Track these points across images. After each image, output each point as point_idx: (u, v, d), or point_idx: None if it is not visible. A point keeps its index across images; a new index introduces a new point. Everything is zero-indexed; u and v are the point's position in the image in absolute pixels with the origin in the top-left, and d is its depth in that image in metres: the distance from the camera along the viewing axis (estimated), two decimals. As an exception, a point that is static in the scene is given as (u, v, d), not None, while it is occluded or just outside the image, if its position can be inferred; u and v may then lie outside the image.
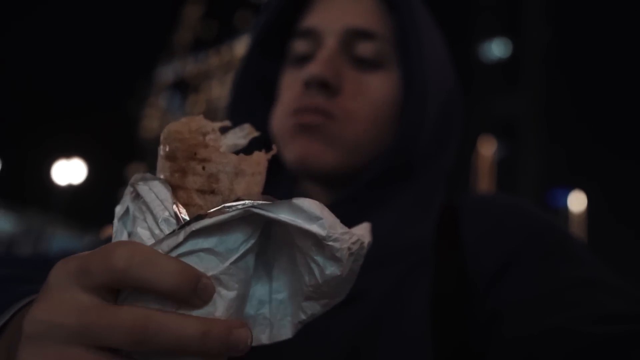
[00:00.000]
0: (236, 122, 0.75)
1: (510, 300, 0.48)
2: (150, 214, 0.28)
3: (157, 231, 0.28)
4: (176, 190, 0.29)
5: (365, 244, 0.30)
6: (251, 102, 0.66)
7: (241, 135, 0.33)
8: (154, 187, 0.29)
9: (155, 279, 0.25)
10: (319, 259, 0.29)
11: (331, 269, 0.29)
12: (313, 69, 0.54)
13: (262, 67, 0.65)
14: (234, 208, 0.27)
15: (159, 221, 0.28)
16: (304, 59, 0.59)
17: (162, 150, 0.30)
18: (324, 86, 0.54)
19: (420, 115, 0.55)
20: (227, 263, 0.28)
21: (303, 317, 0.32)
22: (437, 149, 0.60)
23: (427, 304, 0.52)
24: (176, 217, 0.28)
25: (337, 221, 0.28)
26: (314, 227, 0.28)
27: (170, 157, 0.30)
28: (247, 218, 0.28)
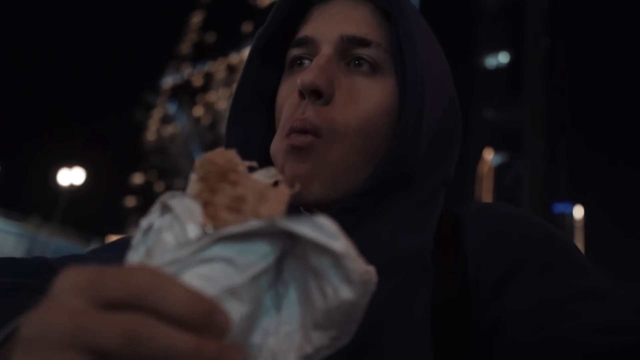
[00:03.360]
0: (237, 133, 0.67)
1: (512, 309, 0.48)
2: (177, 222, 0.29)
3: (182, 237, 0.29)
4: (204, 206, 0.30)
5: (375, 281, 0.31)
6: (252, 113, 0.67)
7: (266, 175, 0.35)
8: (184, 201, 0.30)
9: (171, 304, 0.25)
10: (334, 279, 0.29)
11: (344, 292, 0.29)
12: (306, 77, 0.55)
13: (263, 78, 0.66)
14: (258, 222, 0.28)
15: (185, 228, 0.29)
16: (300, 67, 0.61)
17: (195, 174, 0.32)
18: (316, 94, 0.55)
19: (417, 123, 0.55)
20: (244, 276, 0.28)
21: (309, 350, 0.31)
22: (437, 158, 0.60)
23: (428, 313, 0.52)
24: (203, 226, 0.29)
25: (351, 246, 0.29)
26: (334, 244, 0.28)
27: (202, 179, 0.32)
28: (268, 236, 0.29)
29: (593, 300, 0.45)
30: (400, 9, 0.58)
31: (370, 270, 0.31)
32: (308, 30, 0.61)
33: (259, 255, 0.29)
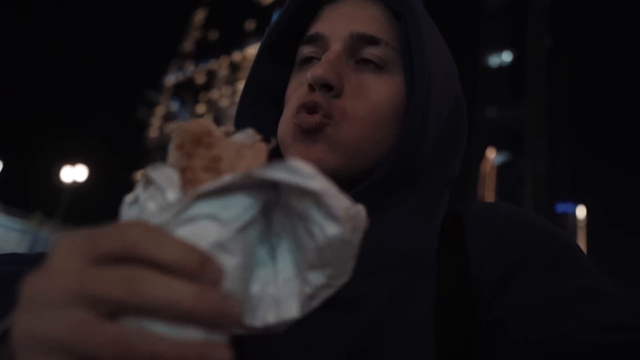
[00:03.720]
0: (245, 126, 0.71)
1: (513, 308, 0.48)
2: (159, 191, 0.30)
3: (163, 203, 0.29)
4: (183, 172, 0.31)
5: (364, 216, 0.31)
6: (260, 107, 0.68)
7: (245, 137, 0.35)
8: (164, 171, 0.31)
9: (162, 252, 0.26)
10: (318, 217, 0.30)
11: (331, 228, 0.30)
12: (316, 70, 0.55)
13: (272, 74, 0.67)
14: (234, 174, 0.29)
15: (166, 194, 0.29)
16: (310, 64, 0.62)
17: (172, 143, 0.33)
18: (326, 87, 0.56)
19: (423, 120, 0.56)
20: (230, 229, 0.29)
21: (308, 290, 0.32)
22: (442, 157, 0.61)
23: (430, 310, 0.52)
24: (182, 190, 0.30)
25: (331, 184, 0.30)
26: (310, 183, 0.29)
27: (179, 147, 0.32)
28: (249, 189, 0.30)
29: (594, 300, 0.45)
30: (410, 9, 0.59)
31: (357, 208, 0.31)
32: (319, 27, 0.62)
33: (242, 208, 0.30)
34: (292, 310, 0.32)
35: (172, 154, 0.33)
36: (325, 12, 0.64)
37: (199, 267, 0.26)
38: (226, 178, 0.29)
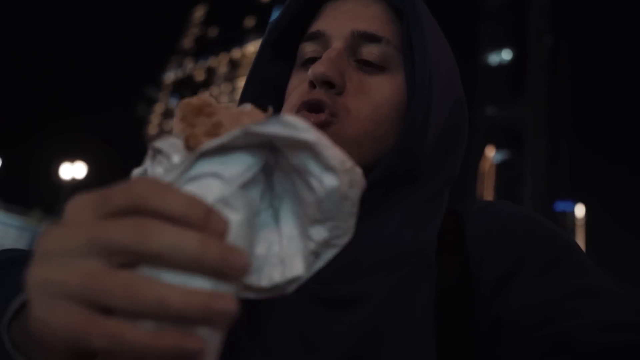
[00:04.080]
0: None
1: (513, 307, 0.48)
2: (165, 157, 0.32)
3: (169, 166, 0.31)
4: (187, 140, 0.32)
5: (360, 174, 0.32)
6: (260, 103, 0.67)
7: (243, 108, 0.36)
8: (169, 140, 0.33)
9: (169, 204, 0.27)
10: (315, 169, 0.31)
11: (328, 179, 0.31)
12: (318, 67, 0.55)
13: (273, 71, 0.67)
14: (233, 132, 0.31)
15: (171, 158, 0.31)
16: (311, 61, 0.61)
17: (176, 117, 0.35)
18: (328, 85, 0.56)
19: (424, 119, 0.56)
20: (233, 186, 0.30)
21: (312, 246, 0.33)
22: (443, 156, 0.61)
23: (430, 309, 0.53)
24: (186, 153, 0.31)
25: (326, 138, 0.31)
26: (305, 135, 0.30)
27: (182, 118, 0.34)
28: (249, 149, 0.32)
29: (594, 299, 0.45)
30: (412, 8, 0.59)
31: (352, 164, 0.32)
32: (320, 25, 0.62)
33: (243, 167, 0.31)
34: (297, 268, 0.32)
35: (176, 126, 0.34)
36: (327, 9, 0.64)
37: (204, 218, 0.27)
38: (226, 135, 0.30)
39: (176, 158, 0.31)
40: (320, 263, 0.33)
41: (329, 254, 0.33)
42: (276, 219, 0.34)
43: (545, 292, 0.48)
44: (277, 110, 0.66)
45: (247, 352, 0.53)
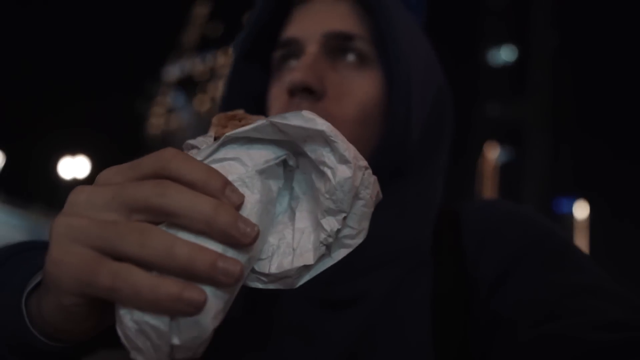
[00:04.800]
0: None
1: (510, 306, 0.48)
2: (195, 149, 0.35)
3: (198, 153, 0.34)
4: (217, 137, 0.35)
5: (375, 180, 0.35)
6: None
7: None
8: (201, 138, 0.36)
9: (191, 171, 0.29)
10: (330, 160, 0.32)
11: (342, 170, 0.32)
12: (295, 75, 0.55)
13: (250, 80, 0.66)
14: (257, 122, 0.33)
15: (201, 148, 0.34)
16: (287, 69, 0.60)
17: (212, 126, 0.38)
18: (307, 91, 0.55)
19: (407, 112, 0.55)
20: (252, 169, 0.32)
21: (323, 235, 0.33)
22: (430, 146, 0.60)
23: (427, 308, 0.52)
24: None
25: (340, 133, 0.33)
26: (321, 125, 0.32)
27: (215, 124, 0.37)
28: (272, 142, 0.34)
29: (592, 297, 0.45)
30: (380, 3, 0.58)
31: (367, 164, 0.34)
32: (291, 31, 0.61)
33: (265, 157, 0.34)
34: (308, 257, 0.33)
35: (211, 130, 0.37)
36: (296, 14, 0.63)
37: (220, 189, 0.29)
38: (251, 125, 0.33)
39: (204, 146, 0.34)
40: (331, 261, 0.34)
41: (341, 253, 0.34)
42: (292, 219, 0.35)
43: (542, 291, 0.47)
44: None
45: (246, 349, 0.53)
